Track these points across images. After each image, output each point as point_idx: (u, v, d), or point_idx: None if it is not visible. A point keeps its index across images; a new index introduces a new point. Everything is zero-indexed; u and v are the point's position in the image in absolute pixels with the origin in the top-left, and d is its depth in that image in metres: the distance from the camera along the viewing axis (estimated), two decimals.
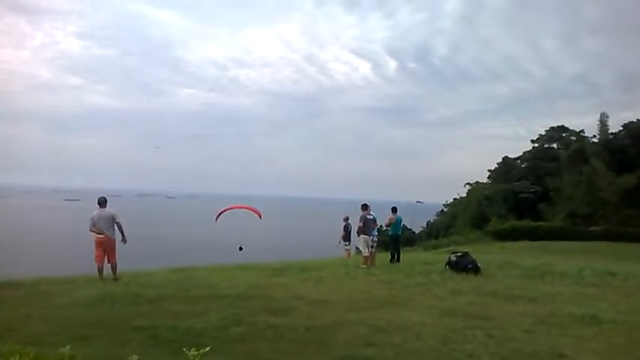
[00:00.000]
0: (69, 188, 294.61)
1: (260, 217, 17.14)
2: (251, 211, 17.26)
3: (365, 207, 15.67)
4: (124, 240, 11.80)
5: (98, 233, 11.62)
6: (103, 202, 11.94)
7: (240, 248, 17.42)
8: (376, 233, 16.09)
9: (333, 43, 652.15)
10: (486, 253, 23.30)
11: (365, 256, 15.28)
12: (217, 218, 17.79)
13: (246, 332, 6.82)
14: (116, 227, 11.79)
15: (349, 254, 19.62)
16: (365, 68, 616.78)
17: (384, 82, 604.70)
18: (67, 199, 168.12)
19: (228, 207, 17.63)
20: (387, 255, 17.56)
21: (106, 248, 11.69)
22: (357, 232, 15.76)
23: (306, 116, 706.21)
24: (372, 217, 15.63)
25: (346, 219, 19.28)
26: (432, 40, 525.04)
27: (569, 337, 6.85)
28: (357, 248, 16.69)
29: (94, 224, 11.71)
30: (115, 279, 11.59)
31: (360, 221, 15.48)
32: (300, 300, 9.09)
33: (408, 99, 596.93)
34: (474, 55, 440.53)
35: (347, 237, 19.20)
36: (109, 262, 11.77)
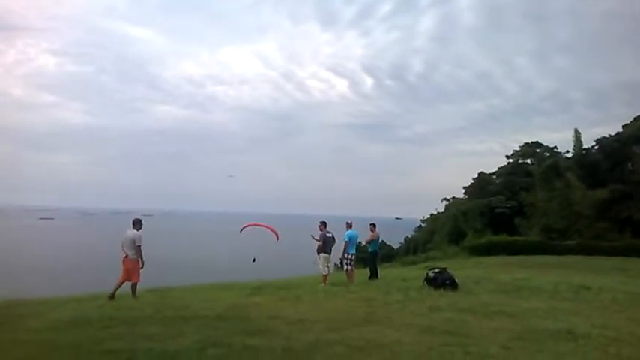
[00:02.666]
0: (43, 207, 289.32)
1: (277, 238, 16.83)
2: (269, 231, 17.07)
3: (324, 224, 15.65)
4: (141, 263, 12.27)
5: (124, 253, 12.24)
6: (134, 223, 12.52)
7: (254, 260, 17.28)
8: (353, 251, 16.04)
9: (311, 61, 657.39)
10: (464, 268, 23.49)
11: (324, 275, 15.23)
12: (242, 230, 18.14)
13: (222, 354, 6.70)
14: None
15: (328, 272, 19.54)
16: (342, 85, 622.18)
17: (361, 99, 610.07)
18: (41, 218, 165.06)
19: (251, 224, 17.68)
20: (367, 272, 17.58)
21: (128, 268, 12.17)
22: (317, 251, 15.52)
23: (283, 133, 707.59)
24: (330, 234, 15.64)
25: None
26: (408, 58, 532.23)
27: (546, 352, 6.90)
28: (335, 264, 16.62)
29: (121, 244, 12.31)
30: (134, 297, 12.02)
31: (320, 239, 15.41)
32: (278, 320, 8.99)
33: (385, 116, 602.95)
34: (448, 73, 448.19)
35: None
36: (129, 280, 12.23)
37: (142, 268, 12.33)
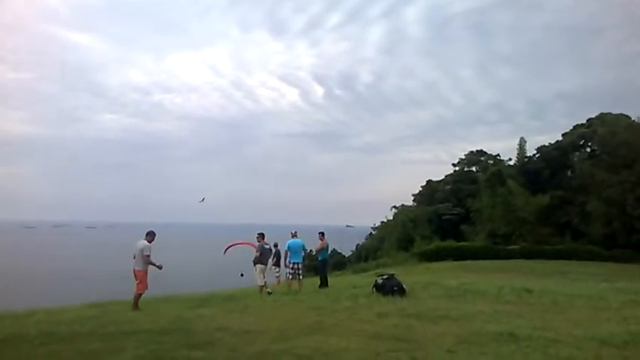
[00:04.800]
0: None
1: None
2: (250, 246, 16.93)
3: (261, 236, 15.71)
4: (144, 270, 12.40)
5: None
6: (147, 234, 12.72)
7: (242, 275, 17.41)
8: (299, 260, 16.06)
9: (261, 69, 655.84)
10: (412, 274, 23.83)
11: (260, 285, 15.32)
12: (225, 251, 19.37)
13: None
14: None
15: (279, 281, 19.41)
16: (293, 94, 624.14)
17: (312, 109, 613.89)
18: None
19: (233, 243, 17.65)
20: (317, 280, 17.56)
21: (136, 277, 12.40)
22: (254, 262, 15.54)
23: (233, 142, 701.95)
24: (268, 246, 15.87)
25: (275, 245, 19.05)
26: (357, 68, 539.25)
27: (489, 355, 7.03)
28: (287, 275, 16.59)
29: (133, 255, 12.52)
30: (133, 307, 12.19)
31: (257, 251, 15.46)
32: (224, 331, 8.80)
33: (335, 125, 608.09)
34: (396, 83, 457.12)
35: (277, 263, 18.97)
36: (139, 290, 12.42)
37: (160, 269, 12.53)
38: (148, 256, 12.32)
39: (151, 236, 12.71)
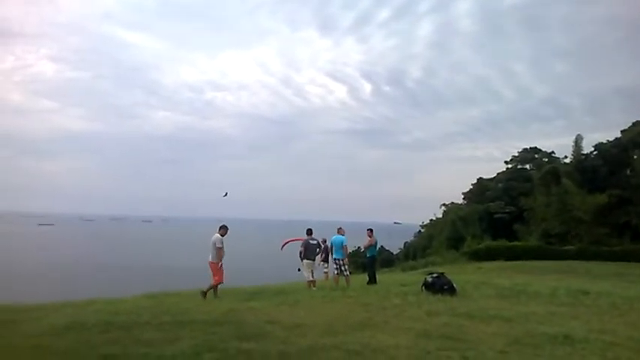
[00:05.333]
0: (41, 213, 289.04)
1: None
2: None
3: (309, 232, 15.84)
4: (217, 262, 13.15)
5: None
6: (220, 228, 13.52)
7: (299, 270, 17.38)
8: (340, 256, 16.08)
9: (309, 67, 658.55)
10: (462, 273, 23.45)
11: (308, 281, 15.49)
12: (283, 247, 19.97)
13: (217, 359, 6.67)
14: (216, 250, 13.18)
15: (327, 276, 19.53)
16: (340, 91, 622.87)
17: (360, 105, 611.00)
18: (40, 224, 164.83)
19: (291, 239, 18.12)
20: (365, 277, 17.57)
21: (215, 270, 13.12)
22: (300, 257, 15.84)
23: (282, 139, 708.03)
24: (315, 242, 15.96)
25: (324, 241, 19.18)
26: (406, 64, 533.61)
27: (543, 357, 6.87)
28: (334, 271, 16.68)
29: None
30: (215, 296, 13.10)
31: (302, 246, 15.62)
32: (275, 324, 8.95)
33: (383, 121, 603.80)
34: (446, 79, 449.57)
35: (325, 258, 19.09)
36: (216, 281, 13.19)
37: (219, 266, 13.19)
38: (220, 248, 13.08)
39: (223, 229, 13.46)
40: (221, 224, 13.70)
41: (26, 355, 7.01)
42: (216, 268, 13.10)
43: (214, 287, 13.28)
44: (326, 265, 19.41)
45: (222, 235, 13.36)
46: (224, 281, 13.47)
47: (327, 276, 19.49)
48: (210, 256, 13.19)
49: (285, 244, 20.82)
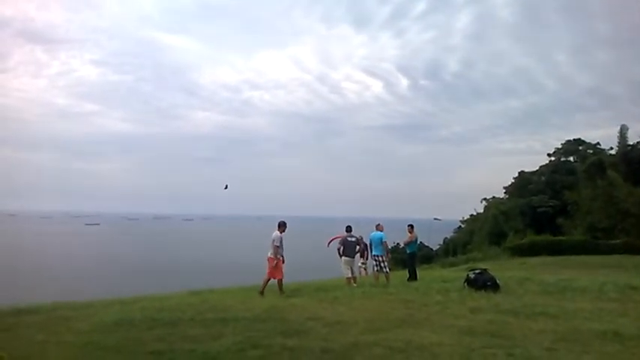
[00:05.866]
0: (87, 212, 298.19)
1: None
2: None
3: (348, 229, 15.78)
4: (275, 261, 13.29)
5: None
6: (279, 225, 13.76)
7: None
8: (379, 252, 15.93)
9: (345, 63, 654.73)
10: (505, 269, 23.01)
11: (347, 278, 15.42)
12: (329, 244, 20.00)
13: (262, 355, 6.77)
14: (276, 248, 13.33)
15: (366, 273, 19.46)
16: (377, 87, 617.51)
17: (396, 100, 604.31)
18: (87, 224, 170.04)
19: (336, 236, 18.36)
20: (405, 273, 17.45)
21: (270, 266, 13.34)
22: (339, 254, 15.83)
23: (319, 136, 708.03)
24: (353, 239, 15.85)
25: (361, 237, 19.09)
26: (443, 56, 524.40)
27: (592, 354, 6.71)
28: (373, 267, 16.60)
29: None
30: (280, 293, 13.24)
31: (340, 244, 15.58)
32: (316, 321, 9.01)
33: (421, 116, 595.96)
34: (485, 71, 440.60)
35: (362, 255, 19.00)
36: (274, 278, 13.46)
37: (281, 263, 13.42)
38: (278, 246, 13.24)
39: (282, 227, 13.67)
40: (280, 221, 13.91)
41: (79, 351, 7.26)
42: (272, 263, 13.32)
43: (265, 281, 13.54)
44: (363, 261, 19.31)
45: (282, 233, 13.56)
46: (283, 279, 13.61)
47: (366, 272, 19.38)
48: (270, 252, 13.43)
49: (332, 240, 20.87)
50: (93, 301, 12.65)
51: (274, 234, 13.47)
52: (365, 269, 19.53)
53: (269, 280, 13.51)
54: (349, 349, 7.03)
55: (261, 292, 13.25)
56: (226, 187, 24.17)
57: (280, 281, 13.48)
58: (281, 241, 13.41)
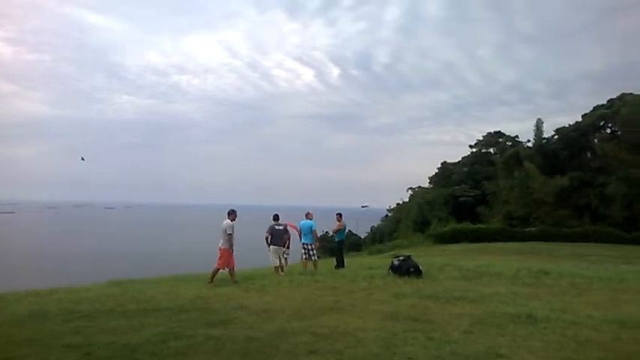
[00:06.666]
0: (3, 200, 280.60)
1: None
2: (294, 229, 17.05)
3: (276, 217, 15.74)
4: (228, 248, 13.22)
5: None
6: (229, 213, 13.51)
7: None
8: (309, 240, 16.05)
9: (276, 50, 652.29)
10: (428, 255, 23.81)
11: (275, 267, 15.42)
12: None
13: (184, 346, 6.61)
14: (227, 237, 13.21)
15: (286, 262, 19.40)
16: (308, 75, 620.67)
17: (328, 90, 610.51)
18: (0, 212, 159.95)
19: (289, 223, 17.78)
20: (333, 261, 17.64)
21: (221, 256, 13.22)
22: (267, 243, 15.66)
23: (250, 123, 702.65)
24: (281, 227, 15.77)
25: (285, 226, 18.99)
26: (374, 48, 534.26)
27: (506, 336, 7.03)
28: (302, 255, 16.64)
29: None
30: (233, 281, 13.07)
31: (268, 232, 15.49)
32: (242, 310, 8.93)
33: (352, 106, 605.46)
34: (413, 64, 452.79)
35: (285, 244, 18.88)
36: (226, 267, 13.30)
37: (232, 252, 13.29)
38: (230, 234, 13.14)
39: (233, 215, 13.47)
40: (229, 209, 13.72)
41: None
42: (225, 253, 13.18)
43: (215, 271, 13.37)
44: (285, 250, 19.23)
45: (232, 221, 13.38)
46: (235, 266, 13.48)
47: (286, 262, 19.29)
48: (221, 242, 13.23)
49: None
50: (4, 294, 11.91)
51: (225, 222, 13.29)
52: (286, 259, 19.45)
53: (218, 270, 13.34)
54: (274, 336, 7.01)
55: (210, 282, 13.10)
56: (83, 159, 23.84)
57: (232, 269, 13.36)
58: (233, 229, 13.28)
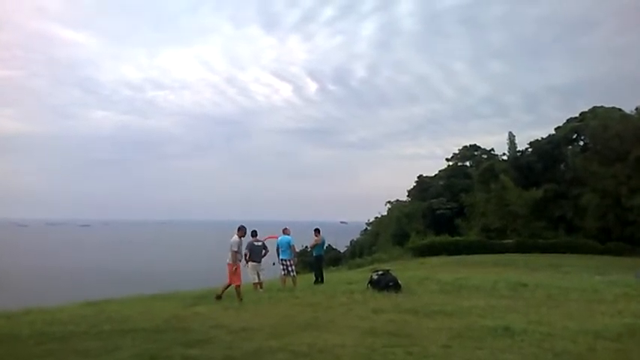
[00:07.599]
0: None
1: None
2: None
3: (254, 234, 15.56)
4: (235, 267, 13.08)
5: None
6: (239, 229, 13.55)
7: (274, 264, 16.98)
8: (288, 256, 15.91)
9: (253, 65, 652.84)
10: (407, 269, 23.89)
11: (254, 283, 15.21)
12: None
13: None
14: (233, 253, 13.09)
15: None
16: (286, 90, 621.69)
17: (305, 104, 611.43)
18: None
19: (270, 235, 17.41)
20: (312, 276, 17.56)
21: (229, 272, 13.05)
22: (245, 260, 15.14)
23: (227, 138, 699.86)
24: (259, 243, 15.53)
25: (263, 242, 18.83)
26: (350, 63, 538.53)
27: (484, 349, 7.06)
28: (281, 271, 16.49)
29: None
30: (216, 297, 13.10)
31: (247, 249, 15.24)
32: (220, 329, 8.81)
33: (329, 121, 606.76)
34: (389, 78, 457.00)
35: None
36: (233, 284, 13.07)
37: (240, 269, 13.30)
38: (236, 251, 13.08)
39: (241, 231, 13.49)
40: (239, 225, 13.73)
41: None
42: (231, 270, 13.02)
43: (224, 288, 13.27)
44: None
45: (240, 237, 13.37)
46: (236, 284, 13.16)
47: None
48: (228, 258, 13.13)
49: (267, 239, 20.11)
50: None
51: (233, 239, 13.22)
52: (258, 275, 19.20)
53: (229, 286, 13.19)
54: (252, 355, 6.93)
55: (219, 297, 13.07)
56: None
57: (238, 287, 13.09)
58: (239, 246, 13.22)
